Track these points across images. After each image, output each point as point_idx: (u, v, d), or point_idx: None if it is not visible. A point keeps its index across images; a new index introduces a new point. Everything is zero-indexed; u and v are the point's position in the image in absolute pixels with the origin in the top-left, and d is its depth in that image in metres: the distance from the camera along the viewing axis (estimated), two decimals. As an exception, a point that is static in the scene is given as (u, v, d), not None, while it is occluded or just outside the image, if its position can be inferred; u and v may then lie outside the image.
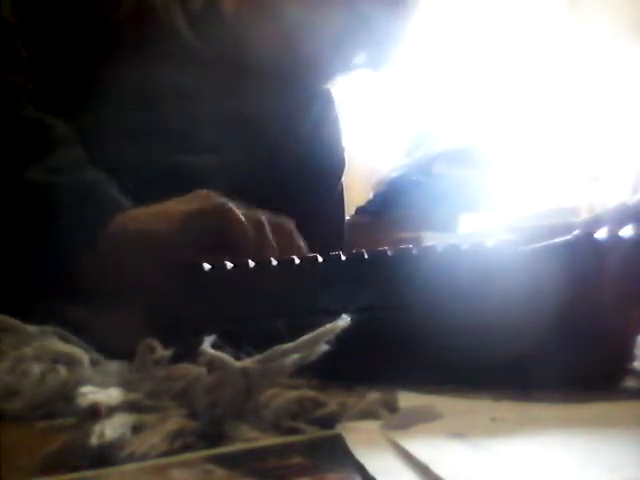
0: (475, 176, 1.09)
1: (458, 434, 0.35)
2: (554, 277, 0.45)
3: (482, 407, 0.41)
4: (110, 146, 0.74)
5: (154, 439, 0.36)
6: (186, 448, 0.36)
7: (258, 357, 0.41)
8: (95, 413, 0.37)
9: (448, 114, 1.26)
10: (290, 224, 0.66)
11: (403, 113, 1.82)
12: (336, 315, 0.42)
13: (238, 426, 0.38)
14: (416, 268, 0.49)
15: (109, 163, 0.69)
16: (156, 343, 0.45)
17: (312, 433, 0.38)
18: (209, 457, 0.35)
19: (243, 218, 0.60)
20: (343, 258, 0.52)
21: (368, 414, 0.40)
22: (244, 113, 0.84)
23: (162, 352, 0.44)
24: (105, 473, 0.34)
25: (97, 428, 0.36)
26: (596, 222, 0.58)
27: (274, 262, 0.53)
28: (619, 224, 0.48)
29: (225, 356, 0.40)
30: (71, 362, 0.46)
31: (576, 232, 0.47)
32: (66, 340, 0.49)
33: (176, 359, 0.44)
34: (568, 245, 0.46)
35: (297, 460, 0.34)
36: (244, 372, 0.40)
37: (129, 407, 0.39)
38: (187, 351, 0.42)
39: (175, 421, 0.38)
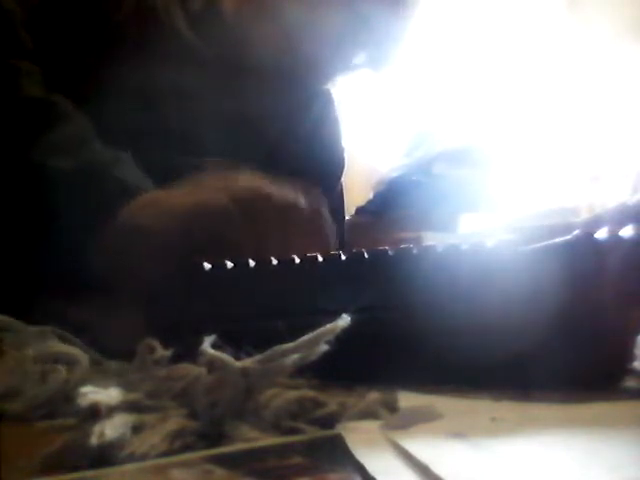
0: (475, 176, 1.09)
1: (458, 434, 0.35)
2: (554, 277, 0.45)
3: (482, 407, 0.41)
4: (110, 146, 0.74)
5: (154, 439, 0.36)
6: (186, 448, 0.36)
7: (258, 357, 0.41)
8: (95, 413, 0.37)
9: (448, 114, 1.26)
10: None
11: (403, 113, 1.81)
12: (336, 315, 0.42)
13: (238, 426, 0.38)
14: (416, 268, 0.49)
15: None
16: (156, 343, 0.45)
17: (312, 433, 0.38)
18: (209, 457, 0.35)
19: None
20: (343, 258, 0.52)
21: (368, 414, 0.40)
22: (244, 113, 0.84)
23: (162, 352, 0.44)
24: (105, 473, 0.34)
25: (97, 428, 0.36)
26: (596, 222, 0.58)
27: (274, 262, 0.53)
28: (619, 224, 0.48)
29: (225, 356, 0.40)
30: (71, 362, 0.46)
31: (576, 232, 0.47)
32: (66, 340, 0.49)
33: (176, 359, 0.44)
34: (568, 245, 0.46)
35: (297, 460, 0.34)
36: (244, 372, 0.40)
37: (129, 407, 0.39)
38: (187, 351, 0.42)
39: (175, 421, 0.38)
